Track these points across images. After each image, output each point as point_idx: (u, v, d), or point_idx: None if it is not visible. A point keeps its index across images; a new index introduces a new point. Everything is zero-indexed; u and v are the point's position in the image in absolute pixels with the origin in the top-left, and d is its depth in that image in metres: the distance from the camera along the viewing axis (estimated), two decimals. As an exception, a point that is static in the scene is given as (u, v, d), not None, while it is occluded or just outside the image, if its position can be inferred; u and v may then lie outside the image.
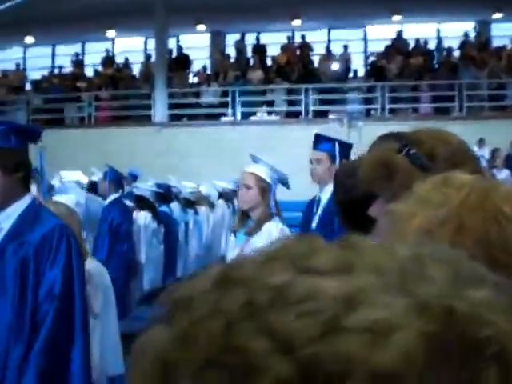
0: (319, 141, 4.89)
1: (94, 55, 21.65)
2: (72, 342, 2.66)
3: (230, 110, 16.88)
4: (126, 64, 19.87)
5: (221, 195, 11.23)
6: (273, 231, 4.00)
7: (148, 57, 19.71)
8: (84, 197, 3.77)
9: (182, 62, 18.94)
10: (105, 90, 18.17)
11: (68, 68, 20.76)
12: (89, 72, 20.39)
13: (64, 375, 2.65)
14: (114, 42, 21.99)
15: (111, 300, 3.72)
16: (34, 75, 21.26)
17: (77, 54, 21.35)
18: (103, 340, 3.47)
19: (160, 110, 17.05)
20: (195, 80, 18.67)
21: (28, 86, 20.26)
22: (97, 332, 3.40)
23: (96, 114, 17.99)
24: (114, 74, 19.24)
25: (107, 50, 21.00)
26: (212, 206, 10.74)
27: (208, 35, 21.29)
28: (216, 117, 16.81)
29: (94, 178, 8.44)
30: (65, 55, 22.11)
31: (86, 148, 15.49)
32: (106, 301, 3.60)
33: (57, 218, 2.87)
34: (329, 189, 4.64)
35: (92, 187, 8.45)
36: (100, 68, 19.93)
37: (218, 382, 0.37)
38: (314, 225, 4.75)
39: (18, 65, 21.76)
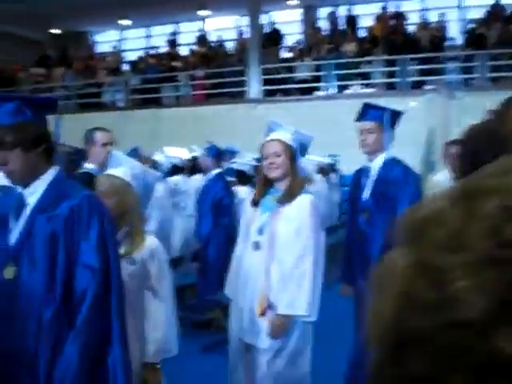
0: (368, 110, 4.76)
1: (188, 35, 21.97)
2: (109, 323, 2.60)
3: (324, 84, 16.73)
4: (220, 42, 20.02)
5: (319, 170, 11.20)
6: (305, 204, 3.86)
7: (241, 34, 19.80)
8: (140, 169, 3.52)
9: (275, 37, 18.91)
10: (200, 69, 18.38)
11: (163, 48, 21.12)
12: (183, 51, 20.66)
13: (104, 355, 2.58)
14: (204, 21, 22.23)
15: (168, 278, 3.58)
16: (131, 56, 21.79)
17: (171, 34, 21.69)
18: (165, 321, 3.43)
19: (254, 86, 17.12)
20: (288, 55, 18.58)
21: (125, 67, 20.75)
22: (161, 312, 3.40)
23: (192, 93, 18.25)
24: (208, 52, 19.43)
25: (200, 30, 21.23)
26: (309, 180, 10.71)
27: (300, 10, 21.17)
28: (310, 91, 16.69)
29: (195, 154, 8.59)
30: (160, 36, 22.56)
31: (183, 126, 15.78)
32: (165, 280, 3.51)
33: (84, 189, 2.80)
34: (379, 158, 4.70)
35: (193, 163, 8.64)
36: (194, 47, 20.14)
37: (499, 276, 0.38)
38: (366, 195, 4.70)
39: (114, 47, 22.38)
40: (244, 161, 8.23)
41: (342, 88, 16.79)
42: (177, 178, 8.30)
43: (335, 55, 16.94)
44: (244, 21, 19.51)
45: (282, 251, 3.80)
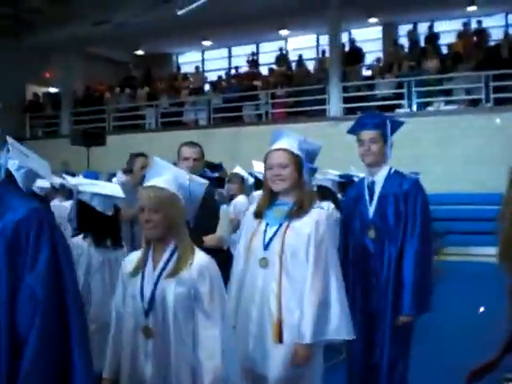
0: (368, 120, 4.47)
1: (268, 54, 22.28)
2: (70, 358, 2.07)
3: (405, 102, 16.63)
4: (300, 61, 20.20)
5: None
6: (322, 219, 3.51)
7: (321, 52, 19.93)
8: (187, 179, 3.21)
9: (355, 55, 18.94)
10: (280, 88, 18.58)
11: (244, 68, 21.46)
12: (264, 71, 20.94)
13: None
14: (287, 41, 22.49)
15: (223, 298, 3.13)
16: (213, 76, 22.23)
17: (252, 54, 22.03)
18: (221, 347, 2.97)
19: (334, 104, 17.19)
20: (369, 73, 18.56)
21: (207, 87, 21.18)
22: (216, 337, 2.95)
23: (272, 111, 18.46)
24: (288, 71, 19.63)
25: (281, 49, 21.48)
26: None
27: (380, 27, 21.15)
28: (391, 109, 16.62)
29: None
30: (240, 56, 22.96)
31: (263, 144, 15.93)
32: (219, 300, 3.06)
33: (31, 200, 2.22)
34: (383, 171, 4.38)
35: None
36: (274, 66, 20.38)
37: None
38: (371, 211, 4.34)
39: (197, 67, 22.86)
40: (327, 176, 8.27)
41: (423, 105, 16.64)
42: (259, 193, 8.38)
43: (416, 72, 16.83)
44: (324, 39, 19.63)
45: (296, 269, 3.46)
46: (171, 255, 3.08)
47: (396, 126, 4.45)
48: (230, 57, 24.26)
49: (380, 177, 4.37)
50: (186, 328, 2.99)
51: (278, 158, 3.57)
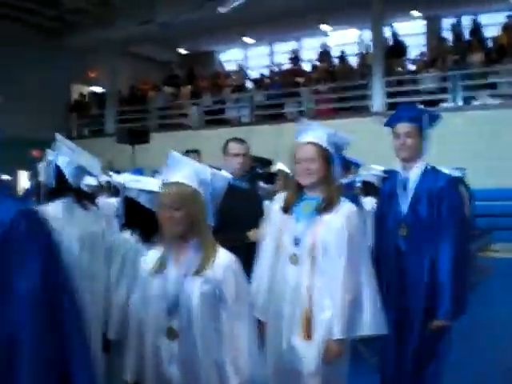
0: (404, 112, 4.30)
1: (310, 50, 22.23)
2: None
3: (450, 96, 16.41)
4: (342, 56, 20.09)
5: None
6: (352, 213, 3.44)
7: (364, 47, 19.80)
8: (209, 173, 3.02)
9: (398, 50, 18.76)
10: (323, 84, 18.52)
11: (286, 65, 21.45)
12: (306, 67, 20.89)
13: None
14: (329, 36, 22.39)
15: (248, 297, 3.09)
16: (255, 73, 22.28)
17: (294, 51, 22.00)
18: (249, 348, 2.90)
19: (377, 99, 17.08)
20: (413, 67, 18.37)
21: (249, 84, 21.23)
22: (243, 338, 2.88)
23: (315, 108, 18.42)
24: (331, 67, 19.55)
25: (323, 45, 21.41)
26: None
27: (423, 21, 20.91)
28: (435, 103, 16.42)
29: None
30: (282, 53, 22.95)
31: (306, 140, 15.89)
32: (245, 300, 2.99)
33: (13, 200, 2.13)
34: (418, 167, 4.21)
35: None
36: (317, 62, 20.32)
37: None
38: (403, 208, 4.18)
39: (239, 65, 22.93)
40: (371, 171, 8.23)
41: (468, 99, 16.41)
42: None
43: (461, 66, 16.60)
44: (367, 34, 19.50)
45: (327, 265, 3.40)
46: (195, 253, 2.97)
47: (433, 119, 4.29)
48: (271, 54, 24.27)
49: (414, 173, 4.21)
50: (211, 328, 2.89)
51: (307, 151, 3.48)
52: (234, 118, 19.83)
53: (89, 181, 6.53)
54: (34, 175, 4.30)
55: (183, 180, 2.98)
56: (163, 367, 2.94)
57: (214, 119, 19.85)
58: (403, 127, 4.17)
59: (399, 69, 18.13)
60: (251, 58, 24.73)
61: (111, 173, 8.34)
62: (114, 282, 3.93)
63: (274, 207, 3.71)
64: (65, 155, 4.08)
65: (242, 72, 22.26)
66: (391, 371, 4.28)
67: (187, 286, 2.91)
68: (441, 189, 4.08)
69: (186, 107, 20.79)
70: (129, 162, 14.49)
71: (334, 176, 3.51)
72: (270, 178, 8.32)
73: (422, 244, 4.09)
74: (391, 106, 16.94)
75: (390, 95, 17.22)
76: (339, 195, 3.49)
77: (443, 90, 16.68)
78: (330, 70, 19.29)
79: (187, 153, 6.69)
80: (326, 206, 3.44)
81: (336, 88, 18.31)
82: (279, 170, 8.23)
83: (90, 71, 22.95)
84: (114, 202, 7.38)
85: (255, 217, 4.74)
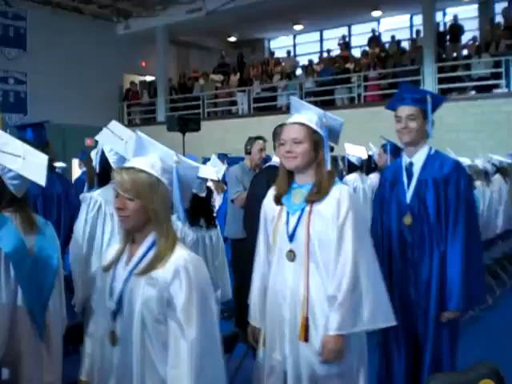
0: (409, 93, 4.00)
1: (360, 36, 22.04)
2: None
3: (503, 81, 16.08)
4: (393, 42, 19.86)
5: (498, 170, 10.78)
6: (342, 197, 3.11)
7: (415, 33, 19.54)
8: (173, 159, 2.63)
9: (450, 35, 18.45)
10: (373, 70, 18.36)
11: (336, 51, 21.31)
12: (356, 53, 20.73)
13: None
14: (379, 22, 22.17)
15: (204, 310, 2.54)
16: (304, 60, 22.21)
17: (343, 37, 21.84)
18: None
19: (429, 85, 16.83)
20: (465, 52, 18.05)
21: (299, 71, 21.18)
22: (187, 362, 2.40)
23: (365, 94, 18.28)
24: (381, 52, 19.35)
25: (373, 30, 21.20)
26: (488, 180, 10.34)
27: (476, 5, 20.51)
28: (488, 89, 16.11)
29: (369, 153, 8.63)
30: (332, 39, 22.82)
31: (356, 126, 15.83)
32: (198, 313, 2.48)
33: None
34: (422, 152, 3.96)
35: (369, 162, 8.67)
36: (367, 48, 20.15)
37: None
38: (408, 195, 3.93)
39: (288, 52, 22.89)
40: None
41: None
42: (354, 176, 8.35)
43: (515, 51, 16.24)
44: (418, 19, 19.23)
45: (326, 258, 3.11)
46: (148, 250, 2.58)
47: (438, 101, 4.01)
48: (321, 40, 24.14)
49: (419, 158, 3.95)
50: (155, 339, 2.49)
51: (293, 132, 3.21)
52: (283, 105, 19.83)
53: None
54: (86, 162, 4.42)
55: (142, 166, 2.58)
56: (105, 375, 2.64)
57: (264, 106, 19.88)
58: (405, 109, 3.94)
59: (453, 54, 17.81)
60: (301, 44, 24.65)
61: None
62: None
63: (266, 199, 3.40)
64: (109, 142, 4.17)
65: (291, 59, 22.22)
66: (399, 369, 4.01)
67: (132, 286, 2.55)
68: (446, 175, 3.84)
69: (236, 95, 20.87)
70: (179, 149, 14.63)
71: (324, 161, 3.21)
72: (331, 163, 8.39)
73: (428, 233, 3.84)
74: (443, 92, 16.68)
75: (441, 81, 16.96)
76: (331, 181, 3.19)
77: (496, 76, 16.34)
78: (381, 55, 19.09)
79: (250, 140, 6.69)
80: (317, 193, 3.16)
81: (386, 74, 18.13)
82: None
83: (142, 60, 23.22)
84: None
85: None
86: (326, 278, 3.11)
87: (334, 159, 8.72)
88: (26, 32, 19.46)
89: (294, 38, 24.72)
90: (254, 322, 3.43)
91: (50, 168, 3.40)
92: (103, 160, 4.18)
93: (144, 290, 2.49)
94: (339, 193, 3.14)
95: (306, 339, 3.11)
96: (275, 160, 4.85)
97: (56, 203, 5.02)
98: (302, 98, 19.04)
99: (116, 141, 4.14)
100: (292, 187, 3.27)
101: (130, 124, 21.87)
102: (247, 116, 19.81)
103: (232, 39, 24.35)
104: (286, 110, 19.42)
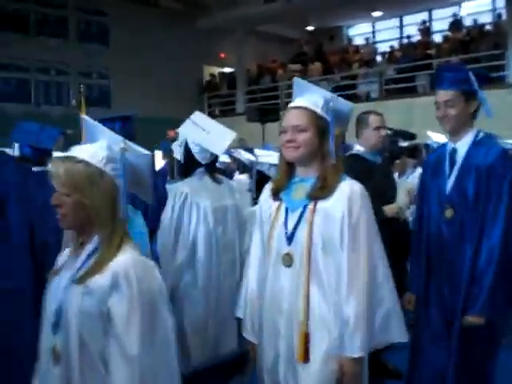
0: (445, 75, 3.59)
1: (440, 21, 21.55)
2: None
3: None
4: (475, 26, 19.33)
5: None
6: (354, 194, 2.71)
7: (497, 16, 18.96)
8: (120, 147, 2.26)
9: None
10: (455, 55, 17.92)
11: (416, 37, 20.91)
12: (437, 38, 20.28)
13: None
14: (460, 6, 21.61)
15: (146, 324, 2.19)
16: (384, 47, 21.91)
17: (424, 22, 21.41)
18: None
19: (514, 69, 16.33)
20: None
21: (379, 58, 20.91)
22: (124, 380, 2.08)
23: (447, 80, 17.85)
24: (463, 37, 18.86)
25: (454, 14, 20.68)
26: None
27: None
28: None
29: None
30: (412, 24, 22.40)
31: (438, 114, 15.47)
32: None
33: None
34: (468, 137, 3.57)
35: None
36: (448, 33, 19.67)
37: None
38: (449, 186, 3.56)
39: (367, 39, 22.61)
40: (506, 147, 8.01)
41: None
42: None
43: None
44: (501, 1, 18.63)
45: (330, 265, 2.70)
46: (91, 254, 2.23)
47: (482, 79, 3.62)
48: (401, 26, 23.73)
49: (463, 144, 3.56)
50: (98, 358, 2.14)
51: (295, 118, 2.80)
52: (363, 94, 19.61)
53: (222, 158, 6.74)
54: (168, 153, 4.53)
55: (81, 155, 2.21)
56: None
57: (344, 95, 19.70)
58: (442, 95, 3.56)
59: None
60: (380, 31, 24.31)
61: (241, 150, 8.52)
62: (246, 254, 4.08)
63: (263, 194, 3.01)
64: (191, 133, 4.25)
65: (370, 46, 21.96)
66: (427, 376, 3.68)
67: (69, 296, 2.20)
68: (490, 165, 3.41)
69: (315, 84, 20.75)
70: (259, 140, 14.71)
71: (329, 151, 2.77)
72: (414, 152, 8.24)
73: (468, 229, 3.46)
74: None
75: (527, 64, 16.41)
76: (338, 175, 2.78)
77: None
78: (462, 40, 18.61)
79: None
80: (321, 188, 2.75)
81: (469, 59, 17.67)
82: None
83: (220, 52, 23.42)
84: (244, 178, 7.60)
85: (390, 191, 4.75)
86: (328, 288, 2.70)
87: (416, 148, 8.55)
88: (107, 27, 19.94)
89: (373, 24, 24.39)
90: (247, 334, 3.05)
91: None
92: (187, 151, 4.27)
93: (81, 300, 2.14)
94: (350, 189, 2.73)
95: (306, 359, 2.69)
96: (357, 148, 4.83)
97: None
98: (381, 86, 18.81)
99: (198, 132, 4.23)
100: (293, 181, 2.86)
101: (210, 115, 21.89)
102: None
103: (310, 28, 24.25)
104: (366, 98, 19.24)
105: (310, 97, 2.88)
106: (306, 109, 2.81)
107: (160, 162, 9.29)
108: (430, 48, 19.02)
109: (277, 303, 2.79)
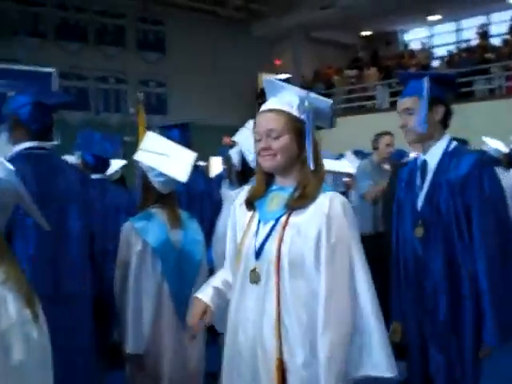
0: (405, 83, 3.30)
1: (499, 25, 21.17)
2: None
3: None
4: (536, 29, 18.93)
5: None
6: (335, 207, 2.36)
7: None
8: None
9: None
10: (514, 59, 17.59)
11: (474, 40, 20.58)
12: (496, 42, 19.92)
13: None
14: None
15: None
16: (441, 52, 21.63)
17: (482, 26, 21.06)
18: None
19: None
20: None
21: (435, 63, 20.66)
22: None
23: (506, 85, 17.53)
24: (523, 40, 18.49)
25: (514, 18, 20.30)
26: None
27: None
28: None
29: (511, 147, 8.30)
30: (470, 28, 22.06)
31: (497, 119, 15.24)
32: None
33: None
34: (438, 147, 3.22)
35: (509, 157, 8.31)
36: (508, 36, 19.30)
37: None
38: (420, 201, 3.23)
39: (423, 43, 22.39)
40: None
41: None
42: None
43: None
44: None
45: (301, 285, 2.35)
46: None
47: (444, 80, 3.25)
48: (459, 30, 23.39)
49: (432, 155, 3.23)
50: None
51: (268, 123, 2.46)
52: (419, 99, 19.38)
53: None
54: (226, 160, 4.63)
55: None
56: None
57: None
58: (401, 103, 3.28)
59: None
60: (437, 35, 24.01)
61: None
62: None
63: (238, 200, 2.70)
64: (247, 140, 4.33)
65: (427, 51, 21.72)
66: None
67: None
68: (464, 177, 3.07)
69: (371, 89, 20.65)
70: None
71: (308, 157, 2.43)
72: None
73: (441, 249, 3.12)
74: None
75: None
76: (321, 182, 2.46)
77: None
78: (523, 43, 18.24)
79: (377, 136, 6.68)
80: (298, 199, 2.42)
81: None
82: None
83: (275, 59, 23.49)
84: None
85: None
86: (300, 311, 2.34)
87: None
88: (164, 36, 20.25)
89: (430, 28, 24.10)
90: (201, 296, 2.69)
91: (194, 166, 3.60)
92: (243, 158, 4.35)
93: None
94: (329, 204, 2.37)
95: None
96: (412, 156, 4.81)
97: (199, 199, 5.25)
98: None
99: (252, 140, 4.29)
100: (270, 189, 2.55)
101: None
102: (384, 111, 19.54)
103: (365, 33, 24.12)
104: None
105: (283, 97, 2.54)
106: (279, 111, 2.47)
107: (216, 168, 9.39)
108: (489, 52, 18.69)
109: (243, 324, 2.46)
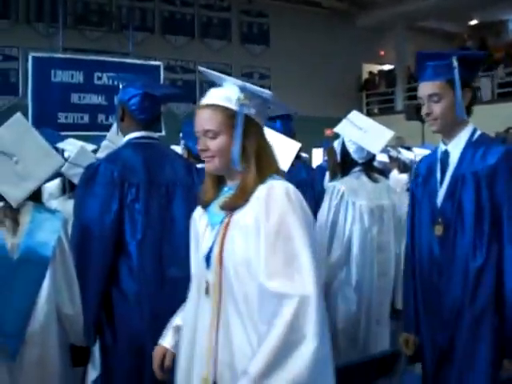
0: (430, 61, 2.87)
1: None
2: None
3: None
4: None
5: None
6: (273, 195, 2.07)
7: None
8: None
9: None
10: None
11: None
12: None
13: None
14: None
15: None
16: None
17: None
18: None
19: None
20: None
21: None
22: None
23: None
24: None
25: None
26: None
27: None
28: None
29: None
30: None
31: None
32: None
33: None
34: (461, 137, 2.89)
35: None
36: None
37: None
38: (440, 197, 2.91)
39: None
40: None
41: None
42: None
43: None
44: None
45: (240, 293, 2.08)
46: None
47: (472, 60, 2.92)
48: None
49: (455, 145, 2.91)
50: None
51: (204, 122, 2.19)
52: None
53: (380, 157, 6.73)
54: (328, 152, 4.65)
55: None
56: None
57: (508, 92, 18.83)
58: (424, 87, 2.91)
59: None
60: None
61: (400, 149, 8.44)
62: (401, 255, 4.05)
63: (195, 214, 2.41)
64: (347, 132, 4.32)
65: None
66: None
67: None
68: (492, 168, 2.77)
69: (478, 80, 20.02)
70: (418, 139, 14.45)
71: (249, 153, 2.16)
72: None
73: (465, 250, 2.80)
74: None
75: None
76: (261, 177, 2.15)
77: None
78: None
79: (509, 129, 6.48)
80: (235, 196, 2.18)
81: None
82: None
83: (380, 49, 23.19)
84: (404, 177, 7.53)
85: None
86: (250, 322, 2.06)
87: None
88: (268, 28, 20.38)
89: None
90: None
91: (297, 156, 3.63)
92: (344, 150, 4.35)
93: None
94: (267, 191, 2.10)
95: None
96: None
97: (302, 189, 5.28)
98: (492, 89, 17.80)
99: (355, 131, 4.29)
100: (221, 191, 2.30)
101: (369, 114, 21.85)
102: (492, 102, 18.90)
103: (473, 22, 23.37)
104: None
105: (219, 90, 2.24)
106: (217, 107, 2.18)
107: (317, 160, 9.41)
108: None
109: (196, 341, 2.22)
